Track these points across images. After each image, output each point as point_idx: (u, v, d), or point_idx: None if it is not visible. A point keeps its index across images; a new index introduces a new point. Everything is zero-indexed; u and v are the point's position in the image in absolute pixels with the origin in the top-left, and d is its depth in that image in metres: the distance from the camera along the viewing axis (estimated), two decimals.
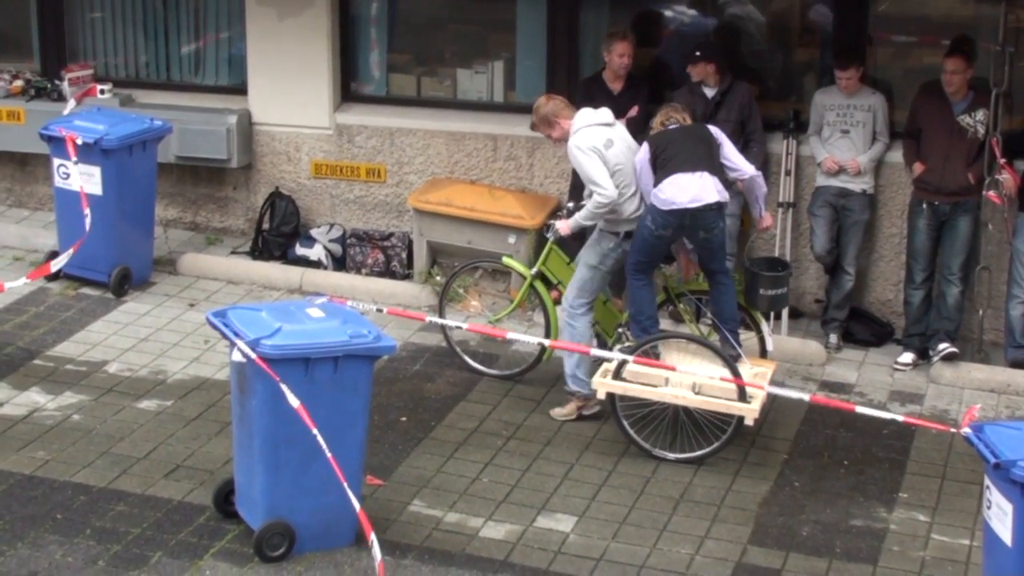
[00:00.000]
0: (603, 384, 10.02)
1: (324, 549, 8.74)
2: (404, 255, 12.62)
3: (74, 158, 11.82)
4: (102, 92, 13.25)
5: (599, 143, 10.16)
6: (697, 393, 9.89)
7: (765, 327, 10.66)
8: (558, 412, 10.53)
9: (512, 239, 12.05)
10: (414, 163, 12.90)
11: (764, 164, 11.76)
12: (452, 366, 11.17)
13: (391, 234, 12.76)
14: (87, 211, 11.71)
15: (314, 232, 12.89)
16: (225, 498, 9.05)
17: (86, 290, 12.30)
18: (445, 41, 13.29)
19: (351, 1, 13.10)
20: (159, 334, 11.51)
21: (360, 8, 13.17)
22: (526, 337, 10.16)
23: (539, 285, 10.88)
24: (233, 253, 13.07)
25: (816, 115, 11.81)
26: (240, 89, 13.38)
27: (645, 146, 10.24)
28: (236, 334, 8.54)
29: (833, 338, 11.75)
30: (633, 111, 11.64)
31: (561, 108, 10.40)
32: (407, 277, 12.55)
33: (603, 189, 10.06)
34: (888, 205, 11.91)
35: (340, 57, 13.09)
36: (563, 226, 10.43)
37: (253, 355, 8.34)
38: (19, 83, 13.66)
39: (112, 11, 13.81)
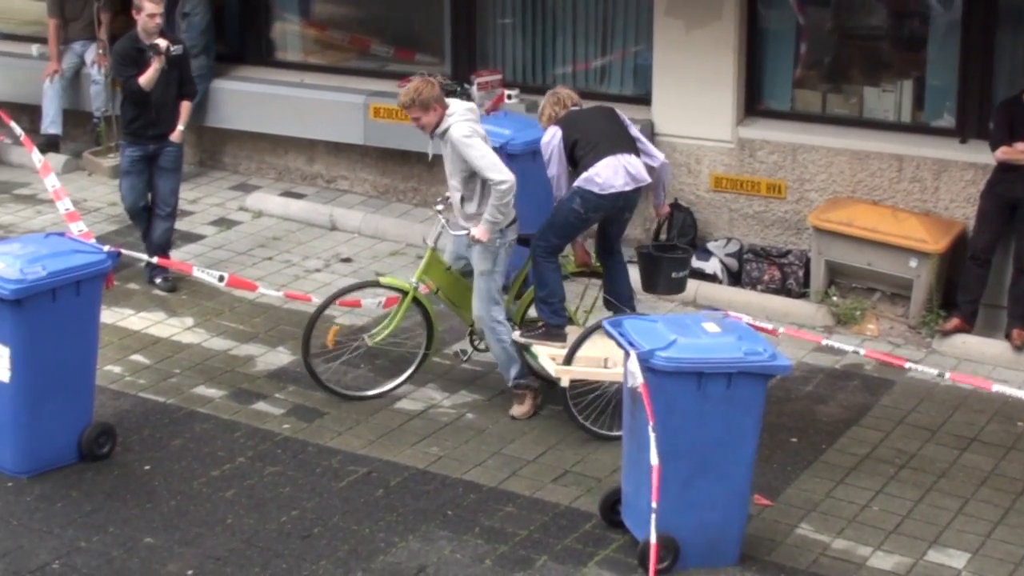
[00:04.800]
0: (567, 371, 9.99)
1: (707, 566, 8.68)
2: (801, 273, 12.43)
3: None
4: (509, 97, 13.45)
5: (479, 132, 10.07)
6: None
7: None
8: (519, 411, 10.40)
9: (913, 263, 11.75)
10: (815, 180, 12.70)
11: None
12: (846, 389, 10.96)
13: (788, 251, 12.60)
14: None
15: (711, 245, 12.83)
16: (611, 507, 9.07)
17: None
18: (853, 58, 13.05)
19: (759, 15, 12.99)
20: None
21: (768, 22, 13.05)
22: (922, 367, 9.88)
23: (421, 297, 10.55)
24: (630, 261, 13.06)
25: None
26: (644, 99, 13.40)
27: (556, 131, 10.28)
28: (631, 344, 8.56)
29: None
30: None
31: (440, 96, 10.17)
32: (803, 296, 12.35)
33: (502, 175, 9.92)
34: None
35: (746, 70, 13.00)
36: (480, 233, 10.06)
37: (639, 371, 8.35)
38: None
39: (522, 18, 14.04)
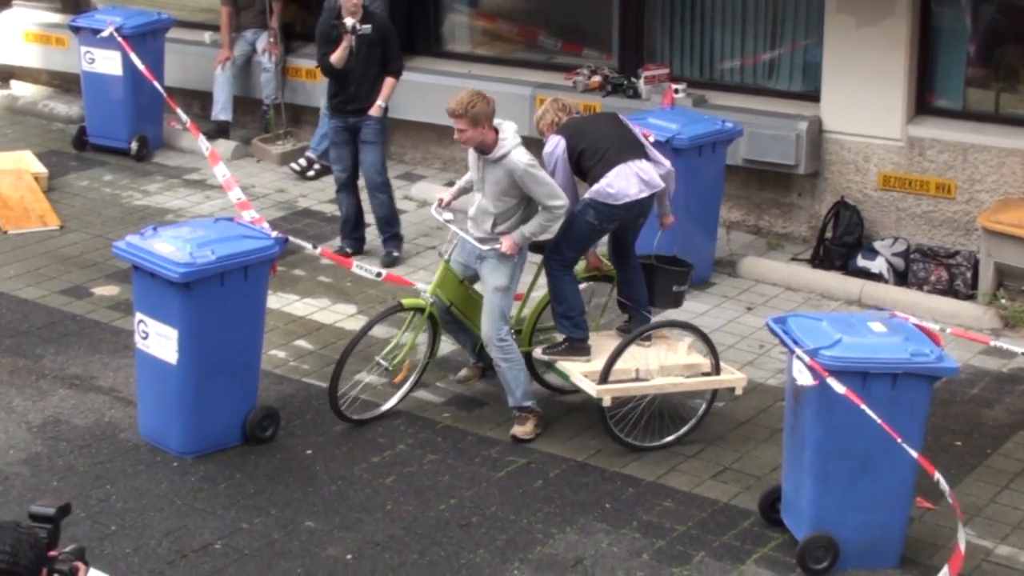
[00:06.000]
0: (607, 391, 9.72)
1: (867, 568, 8.59)
2: (969, 275, 12.22)
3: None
4: (676, 92, 13.40)
5: (533, 157, 9.72)
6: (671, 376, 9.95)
7: None
8: (522, 431, 10.00)
9: None
10: (986, 181, 12.49)
11: None
12: (1013, 393, 10.77)
13: (957, 252, 12.40)
14: None
15: (877, 244, 12.66)
16: (771, 505, 9.01)
17: None
18: None
19: (933, 12, 12.78)
20: (715, 335, 11.49)
21: (942, 19, 12.83)
22: None
23: (435, 311, 10.13)
24: (793, 260, 12.98)
25: None
26: (812, 96, 13.26)
27: (559, 141, 9.88)
28: (795, 342, 8.49)
29: None
30: None
31: (492, 115, 9.69)
32: (970, 297, 12.15)
33: (562, 199, 9.61)
34: None
35: (917, 68, 12.81)
36: (509, 245, 9.70)
37: (809, 362, 8.28)
38: (597, 79, 13.99)
39: (691, 12, 13.97)
